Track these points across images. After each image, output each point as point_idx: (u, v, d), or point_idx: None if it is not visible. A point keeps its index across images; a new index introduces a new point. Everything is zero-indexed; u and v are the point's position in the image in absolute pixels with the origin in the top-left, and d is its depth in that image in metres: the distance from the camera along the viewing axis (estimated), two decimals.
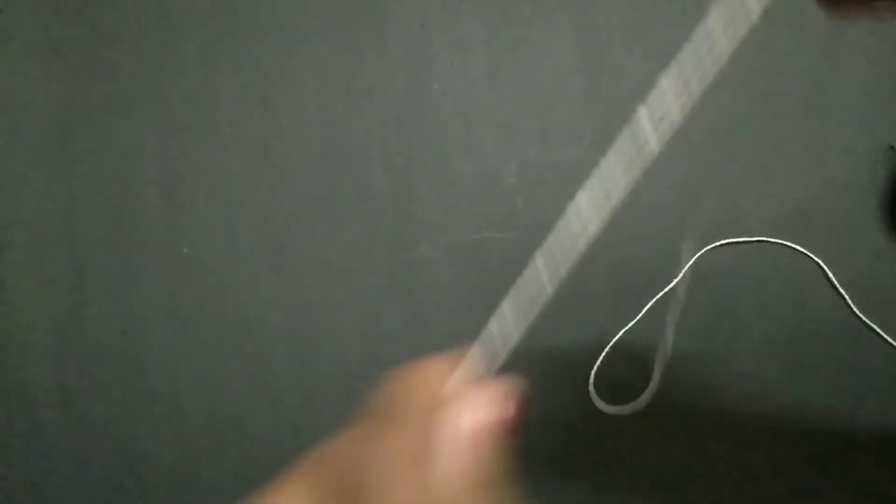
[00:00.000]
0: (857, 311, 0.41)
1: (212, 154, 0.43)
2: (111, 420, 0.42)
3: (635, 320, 0.41)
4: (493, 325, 0.25)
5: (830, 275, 0.41)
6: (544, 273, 0.25)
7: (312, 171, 0.43)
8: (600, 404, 0.41)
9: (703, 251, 0.41)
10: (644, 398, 0.40)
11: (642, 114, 0.24)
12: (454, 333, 0.42)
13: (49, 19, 0.43)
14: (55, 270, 0.42)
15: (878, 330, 0.41)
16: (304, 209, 0.43)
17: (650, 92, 0.43)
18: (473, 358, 0.24)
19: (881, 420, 0.41)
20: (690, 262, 0.41)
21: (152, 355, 0.42)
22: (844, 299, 0.41)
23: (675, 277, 0.41)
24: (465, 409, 0.21)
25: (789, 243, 0.41)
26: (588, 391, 0.41)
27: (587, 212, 0.25)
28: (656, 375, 0.40)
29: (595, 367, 0.41)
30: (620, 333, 0.41)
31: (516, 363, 0.28)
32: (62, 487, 0.42)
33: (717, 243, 0.41)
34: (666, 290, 0.41)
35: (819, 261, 0.41)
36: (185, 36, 0.43)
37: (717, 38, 0.24)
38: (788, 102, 0.42)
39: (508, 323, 0.25)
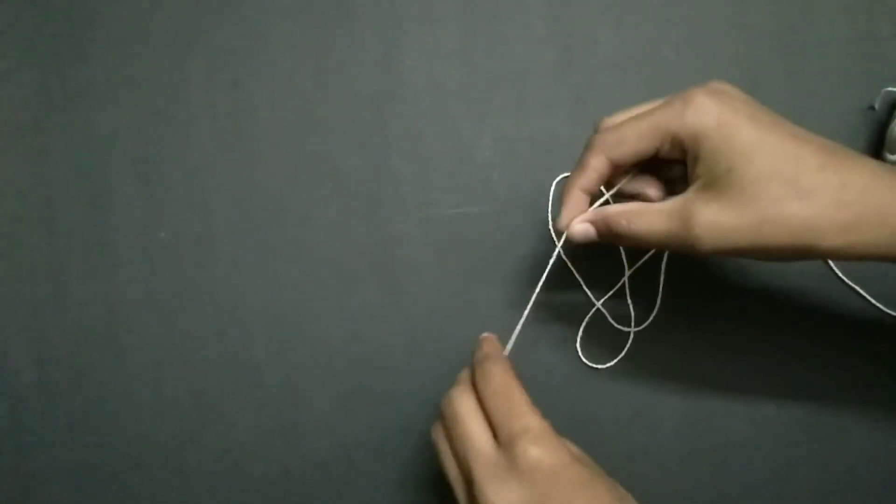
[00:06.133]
0: (841, 275, 0.40)
1: (185, 138, 0.43)
2: (93, 405, 0.42)
3: (616, 287, 0.41)
4: None
5: None
6: None
7: (286, 152, 0.43)
8: (586, 361, 0.41)
9: None
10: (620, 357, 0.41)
11: None
12: (433, 308, 0.42)
13: (18, 9, 0.43)
14: (32, 259, 0.42)
15: (862, 292, 0.40)
16: (280, 190, 0.42)
17: (623, 63, 0.43)
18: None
19: (860, 377, 0.40)
20: None
21: (132, 340, 0.42)
22: (828, 263, 0.40)
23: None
24: None
25: None
26: (576, 350, 0.41)
27: None
28: (630, 338, 0.40)
29: (581, 329, 0.41)
30: (604, 298, 0.41)
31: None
32: (44, 474, 0.42)
33: None
34: (644, 259, 0.41)
35: None
36: (154, 20, 0.43)
37: None
38: (765, 64, 0.42)
39: None
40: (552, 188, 0.42)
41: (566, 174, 0.42)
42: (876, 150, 0.41)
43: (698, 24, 0.42)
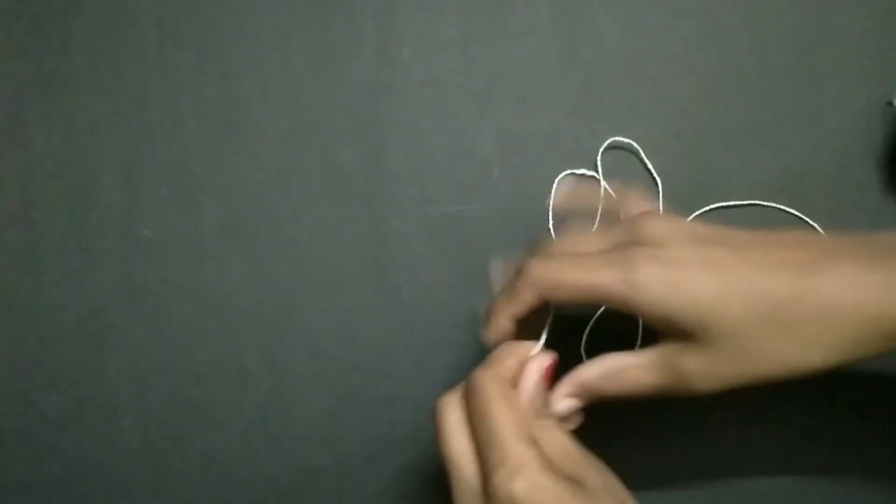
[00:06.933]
0: None
1: (172, 130, 0.41)
2: (72, 411, 0.40)
3: None
4: None
5: None
6: None
7: (278, 146, 0.41)
8: None
9: (693, 215, 0.39)
10: None
11: None
12: (431, 310, 0.40)
13: None
14: (9, 256, 0.41)
15: None
16: (271, 186, 0.41)
17: (629, 55, 0.41)
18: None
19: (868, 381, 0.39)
20: None
21: (113, 342, 0.40)
22: None
23: None
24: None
25: (782, 206, 0.39)
26: (580, 354, 0.39)
27: None
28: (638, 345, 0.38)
29: (585, 333, 0.39)
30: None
31: None
32: (21, 483, 0.40)
33: (707, 207, 0.39)
34: None
35: (814, 224, 0.39)
36: (141, 7, 0.41)
37: None
38: (779, 57, 0.40)
39: None
40: (555, 185, 0.40)
41: (569, 171, 0.40)
42: (894, 147, 0.39)
43: (708, 16, 0.41)
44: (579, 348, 0.39)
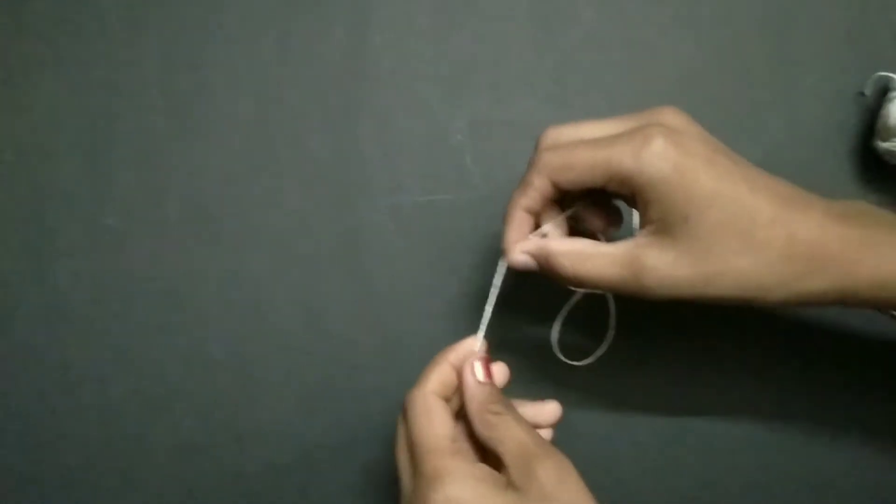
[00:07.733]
0: None
1: (137, 118, 0.40)
2: (28, 406, 0.39)
3: None
4: None
5: None
6: None
7: (246, 134, 0.40)
8: (562, 359, 0.38)
9: None
10: (600, 351, 0.38)
11: None
12: (402, 300, 0.39)
13: None
14: None
15: None
16: (238, 174, 0.40)
17: (605, 43, 0.41)
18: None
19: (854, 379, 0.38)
20: None
21: (74, 335, 0.39)
22: None
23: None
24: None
25: None
26: (551, 347, 0.38)
27: None
28: (610, 331, 0.38)
29: (556, 326, 0.39)
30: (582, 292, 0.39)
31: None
32: None
33: None
34: None
35: None
36: None
37: None
38: (753, 47, 0.40)
39: None
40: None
41: None
42: (866, 137, 0.39)
43: (685, 5, 0.40)
44: (550, 341, 0.39)
